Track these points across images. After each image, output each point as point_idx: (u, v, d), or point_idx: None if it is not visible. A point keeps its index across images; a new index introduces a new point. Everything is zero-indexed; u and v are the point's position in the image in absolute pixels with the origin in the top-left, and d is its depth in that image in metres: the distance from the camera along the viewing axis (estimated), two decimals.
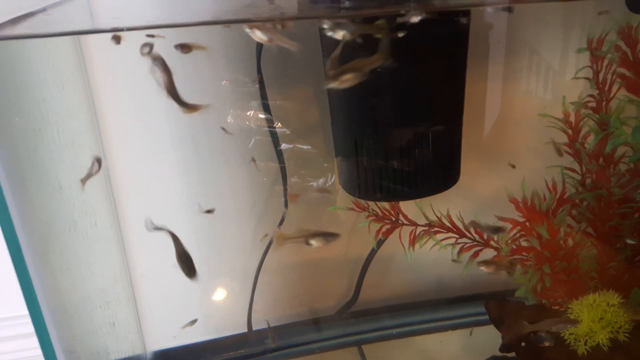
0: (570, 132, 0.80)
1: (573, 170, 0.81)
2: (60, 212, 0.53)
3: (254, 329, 0.94)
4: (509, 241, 0.75)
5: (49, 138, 0.53)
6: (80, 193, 0.61)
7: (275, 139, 0.86)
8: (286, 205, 0.89)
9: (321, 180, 0.88)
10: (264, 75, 0.81)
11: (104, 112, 0.76)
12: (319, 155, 0.87)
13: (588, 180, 0.81)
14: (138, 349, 0.86)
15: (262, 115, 0.84)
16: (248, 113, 0.84)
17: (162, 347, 0.91)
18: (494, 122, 0.92)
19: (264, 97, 0.83)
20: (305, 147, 0.86)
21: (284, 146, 0.86)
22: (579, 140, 0.78)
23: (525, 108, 0.90)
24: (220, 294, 0.94)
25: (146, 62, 0.60)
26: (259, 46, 0.80)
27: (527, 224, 0.74)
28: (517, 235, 0.76)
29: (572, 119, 0.79)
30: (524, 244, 0.77)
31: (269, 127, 0.85)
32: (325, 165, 0.86)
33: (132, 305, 0.85)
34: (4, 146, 0.42)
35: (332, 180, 0.87)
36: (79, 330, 0.54)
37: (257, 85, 0.82)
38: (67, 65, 0.65)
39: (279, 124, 0.84)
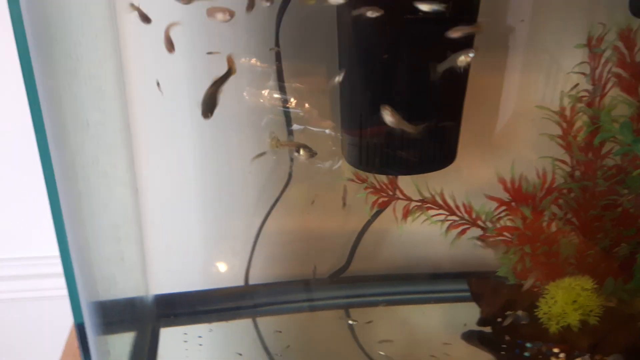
0: (564, 125, 0.84)
1: (564, 162, 0.86)
2: (85, 147, 0.58)
3: (250, 283, 1.00)
4: (494, 218, 0.80)
5: (80, 79, 0.58)
6: (103, 134, 0.67)
7: (287, 112, 0.90)
8: (290, 175, 0.95)
9: (329, 163, 0.92)
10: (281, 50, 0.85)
11: (130, 64, 0.81)
12: (329, 138, 0.90)
13: (577, 172, 0.86)
14: (141, 290, 0.92)
15: (277, 95, 0.88)
16: (263, 91, 0.88)
17: (163, 291, 0.98)
18: (495, 113, 0.96)
19: (280, 76, 0.87)
20: (316, 129, 0.90)
21: (295, 127, 0.91)
22: (572, 134, 0.82)
23: (525, 100, 0.94)
24: (222, 249, 1.00)
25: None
26: (279, 18, 0.84)
27: (513, 204, 0.79)
28: (503, 214, 0.80)
29: (568, 112, 0.84)
30: (508, 224, 0.82)
31: (282, 105, 0.90)
32: (334, 148, 0.90)
33: (140, 247, 0.91)
34: (46, 78, 0.48)
35: (339, 163, 0.91)
36: (93, 255, 0.60)
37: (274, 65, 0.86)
38: (100, 16, 0.70)
39: (293, 101, 0.88)
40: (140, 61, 0.81)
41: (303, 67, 0.89)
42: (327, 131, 0.89)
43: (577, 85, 0.79)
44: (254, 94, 0.88)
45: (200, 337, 0.91)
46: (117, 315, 0.73)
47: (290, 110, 0.89)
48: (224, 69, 0.83)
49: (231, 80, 0.87)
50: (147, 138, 0.87)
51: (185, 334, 0.91)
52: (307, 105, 0.88)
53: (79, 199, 0.56)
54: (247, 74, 0.85)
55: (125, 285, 0.77)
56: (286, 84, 0.87)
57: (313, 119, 0.89)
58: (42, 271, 1.05)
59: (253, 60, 0.85)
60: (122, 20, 0.75)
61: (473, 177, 0.96)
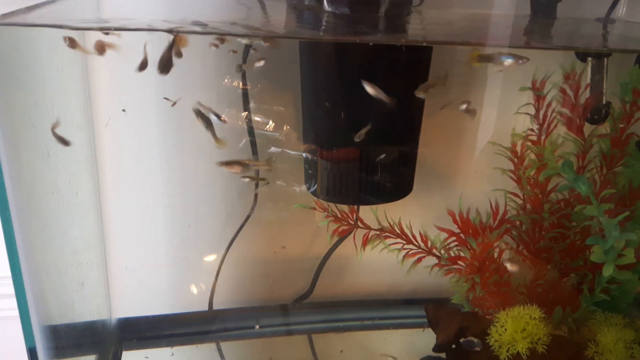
0: (515, 160, 0.88)
1: (517, 195, 0.90)
2: (44, 176, 0.61)
3: (214, 308, 1.02)
4: (446, 247, 0.83)
5: (43, 111, 0.61)
6: (66, 163, 0.69)
7: (252, 137, 0.94)
8: (255, 201, 0.97)
9: (304, 187, 0.95)
10: (247, 79, 0.89)
11: (97, 95, 0.84)
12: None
13: (529, 205, 0.90)
14: (104, 314, 0.93)
15: (245, 117, 0.91)
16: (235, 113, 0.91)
17: (127, 315, 0.99)
18: (453, 147, 1.01)
19: (246, 99, 0.90)
20: (293, 152, 0.93)
21: (273, 149, 0.93)
22: (521, 169, 0.87)
23: (482, 136, 0.98)
24: (188, 275, 1.02)
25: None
26: (246, 50, 0.88)
27: (461, 235, 0.82)
28: (452, 244, 0.84)
29: (519, 149, 0.88)
30: (462, 254, 0.85)
31: (248, 127, 0.93)
32: (310, 172, 0.93)
33: (103, 272, 0.93)
34: (3, 111, 0.50)
35: (315, 186, 0.94)
36: (50, 281, 0.62)
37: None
38: (67, 51, 0.73)
39: (271, 126, 0.91)
40: (107, 90, 0.84)
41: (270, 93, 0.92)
42: (305, 154, 0.92)
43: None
44: (231, 117, 0.91)
45: None
46: (75, 339, 0.74)
47: (267, 133, 0.92)
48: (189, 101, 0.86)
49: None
50: (113, 164, 0.89)
51: (147, 357, 0.92)
52: (286, 127, 0.92)
53: (36, 227, 0.58)
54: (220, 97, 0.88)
55: (85, 309, 0.79)
56: (265, 106, 0.91)
57: (290, 141, 0.92)
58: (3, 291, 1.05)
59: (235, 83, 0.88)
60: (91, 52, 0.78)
61: (431, 206, 1.00)
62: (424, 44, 0.73)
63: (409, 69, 0.79)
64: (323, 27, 0.78)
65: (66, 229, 0.70)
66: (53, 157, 0.64)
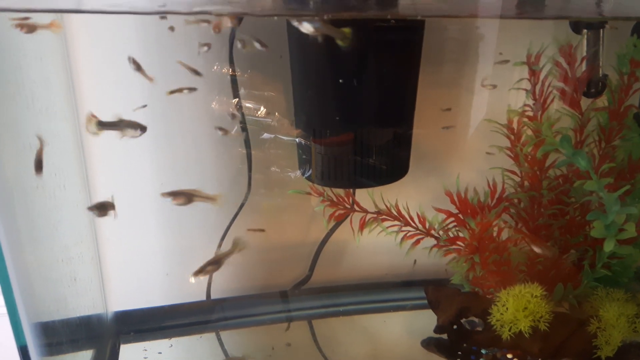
0: (512, 137, 0.87)
1: (514, 173, 0.89)
2: (27, 170, 0.59)
3: (212, 297, 1.01)
4: (445, 228, 0.82)
5: (23, 103, 0.58)
6: (50, 156, 0.67)
7: (244, 125, 0.92)
8: (249, 188, 0.96)
9: (299, 172, 0.93)
10: (236, 66, 0.87)
11: (82, 84, 0.81)
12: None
13: (526, 183, 0.88)
14: (99, 308, 0.92)
15: (236, 104, 0.89)
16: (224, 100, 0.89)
17: (124, 308, 0.98)
18: (449, 126, 0.99)
19: (235, 87, 0.88)
20: (286, 137, 0.91)
21: (265, 135, 0.91)
22: (519, 146, 0.85)
23: (477, 114, 0.97)
24: (183, 265, 1.00)
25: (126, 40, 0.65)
26: (232, 36, 0.86)
27: (460, 215, 0.81)
28: (450, 225, 0.83)
29: (515, 125, 0.86)
30: (460, 234, 0.84)
31: (239, 113, 0.91)
32: (304, 157, 0.92)
33: (96, 266, 0.91)
34: None
35: (310, 171, 0.92)
36: (39, 278, 0.60)
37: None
38: (47, 39, 0.70)
39: (262, 112, 0.89)
40: (92, 79, 0.81)
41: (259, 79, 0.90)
42: (298, 139, 0.90)
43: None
44: (222, 103, 0.89)
45: (160, 353, 0.91)
46: (70, 334, 0.73)
47: (261, 119, 0.90)
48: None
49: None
50: (101, 155, 0.87)
51: (145, 349, 0.91)
52: (277, 114, 0.90)
53: (21, 223, 0.56)
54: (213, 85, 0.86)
55: (78, 304, 0.77)
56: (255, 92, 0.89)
57: (283, 127, 0.90)
58: None
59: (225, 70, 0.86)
60: (72, 40, 0.75)
61: (428, 187, 0.98)
62: (418, 17, 0.70)
63: (401, 47, 0.77)
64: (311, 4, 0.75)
65: (54, 224, 0.68)
66: (35, 150, 0.61)
